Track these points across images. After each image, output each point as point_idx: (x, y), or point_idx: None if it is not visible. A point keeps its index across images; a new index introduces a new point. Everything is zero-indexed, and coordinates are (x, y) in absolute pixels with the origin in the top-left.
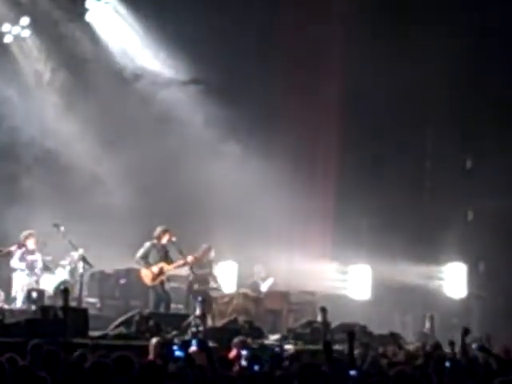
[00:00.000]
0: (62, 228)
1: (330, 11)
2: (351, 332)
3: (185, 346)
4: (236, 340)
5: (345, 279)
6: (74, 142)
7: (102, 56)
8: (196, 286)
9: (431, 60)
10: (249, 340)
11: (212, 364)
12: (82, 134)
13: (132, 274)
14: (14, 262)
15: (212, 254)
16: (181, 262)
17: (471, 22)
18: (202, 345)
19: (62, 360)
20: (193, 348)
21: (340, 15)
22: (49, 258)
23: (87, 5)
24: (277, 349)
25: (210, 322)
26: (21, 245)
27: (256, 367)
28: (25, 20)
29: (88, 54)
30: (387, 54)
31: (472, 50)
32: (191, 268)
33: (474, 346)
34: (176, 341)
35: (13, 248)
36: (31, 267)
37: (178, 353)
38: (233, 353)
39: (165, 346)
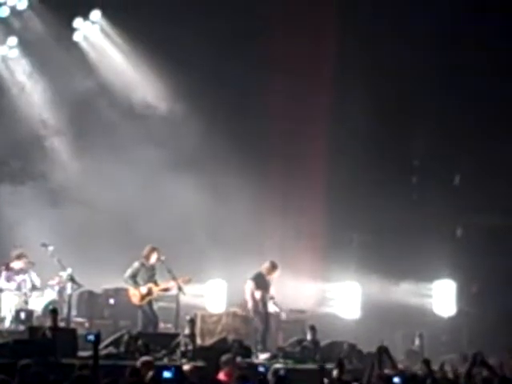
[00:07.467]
0: (51, 247)
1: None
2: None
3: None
4: (224, 359)
5: (334, 297)
6: (65, 163)
7: (91, 74)
8: None
9: (419, 74)
10: (238, 359)
11: None
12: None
13: (121, 294)
14: (2, 282)
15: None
16: (170, 283)
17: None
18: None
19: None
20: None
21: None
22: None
23: (75, 24)
24: (262, 368)
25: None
26: (9, 264)
27: None
28: (12, 40)
29: (77, 74)
30: (373, 71)
31: (462, 62)
32: (180, 289)
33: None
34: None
35: (1, 268)
36: (20, 287)
37: (166, 374)
38: (222, 374)
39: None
